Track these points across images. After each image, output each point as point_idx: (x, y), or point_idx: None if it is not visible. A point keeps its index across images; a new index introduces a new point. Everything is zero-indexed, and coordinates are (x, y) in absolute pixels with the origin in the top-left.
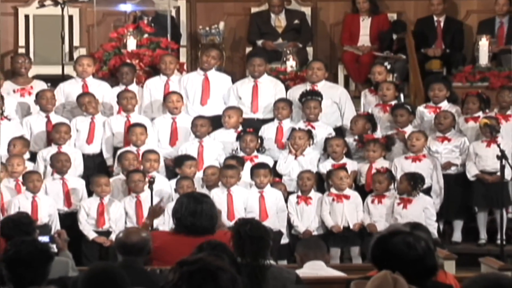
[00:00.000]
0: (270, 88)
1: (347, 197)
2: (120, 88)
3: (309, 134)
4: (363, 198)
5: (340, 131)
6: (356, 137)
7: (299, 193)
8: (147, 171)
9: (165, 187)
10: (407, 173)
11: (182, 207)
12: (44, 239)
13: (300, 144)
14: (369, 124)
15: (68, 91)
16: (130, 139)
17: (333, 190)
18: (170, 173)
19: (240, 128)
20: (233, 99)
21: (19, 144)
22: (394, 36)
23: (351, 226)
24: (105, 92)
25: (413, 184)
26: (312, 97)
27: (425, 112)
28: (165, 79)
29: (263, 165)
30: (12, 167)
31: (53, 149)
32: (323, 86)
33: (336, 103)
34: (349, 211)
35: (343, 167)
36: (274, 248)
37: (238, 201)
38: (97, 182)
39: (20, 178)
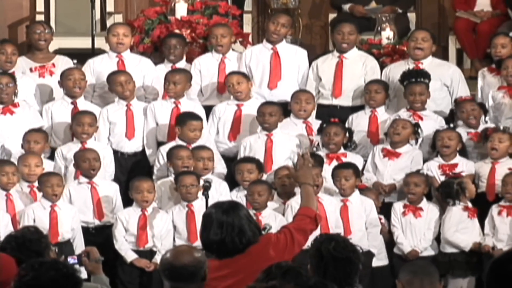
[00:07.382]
0: (359, 66)
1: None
2: (166, 66)
3: (415, 127)
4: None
5: (450, 122)
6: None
7: (406, 202)
8: (199, 174)
9: (224, 193)
10: None
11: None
12: (72, 260)
13: (404, 135)
14: (480, 110)
15: (99, 69)
16: (184, 135)
17: (464, 202)
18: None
19: (311, 118)
20: (311, 80)
21: (41, 139)
22: None
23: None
24: (147, 71)
25: None
26: (417, 79)
27: None
28: (218, 57)
29: (347, 165)
30: (29, 168)
31: (74, 145)
32: (429, 64)
33: (447, 86)
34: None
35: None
36: (363, 272)
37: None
38: (139, 187)
39: (36, 183)
